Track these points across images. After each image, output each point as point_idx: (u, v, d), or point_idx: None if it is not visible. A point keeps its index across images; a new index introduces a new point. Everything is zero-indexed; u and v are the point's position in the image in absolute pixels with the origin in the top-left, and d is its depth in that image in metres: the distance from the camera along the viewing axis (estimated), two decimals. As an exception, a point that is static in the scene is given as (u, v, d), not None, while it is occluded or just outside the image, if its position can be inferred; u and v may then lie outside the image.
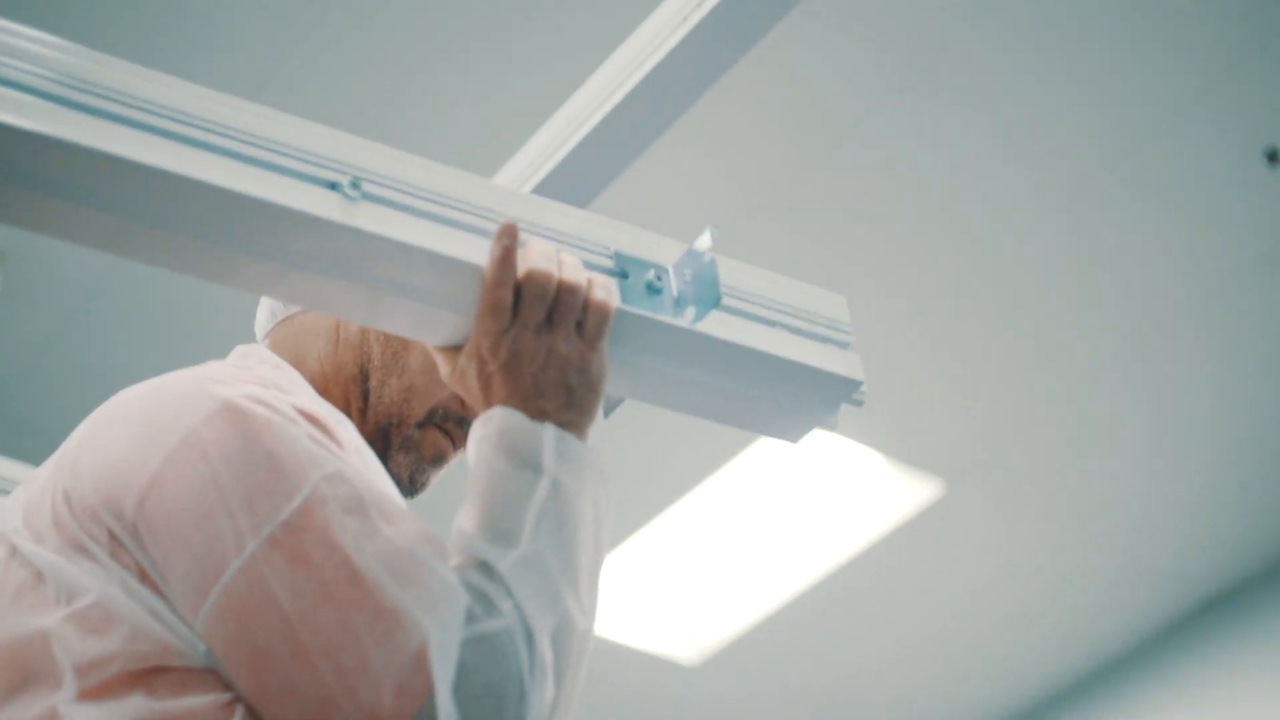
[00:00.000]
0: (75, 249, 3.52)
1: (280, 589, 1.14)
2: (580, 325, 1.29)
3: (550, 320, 1.28)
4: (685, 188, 3.68)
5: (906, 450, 4.49)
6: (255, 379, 1.30)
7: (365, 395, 1.49)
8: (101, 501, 1.21)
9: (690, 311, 1.35)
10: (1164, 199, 3.84)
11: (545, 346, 1.28)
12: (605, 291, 1.30)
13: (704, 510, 4.64)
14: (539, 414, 1.27)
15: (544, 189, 2.23)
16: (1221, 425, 4.48)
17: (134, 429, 1.24)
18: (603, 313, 1.29)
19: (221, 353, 1.48)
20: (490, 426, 1.27)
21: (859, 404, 1.44)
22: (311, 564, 1.15)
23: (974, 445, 4.49)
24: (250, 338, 1.56)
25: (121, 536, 1.19)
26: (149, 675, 1.16)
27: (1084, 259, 3.98)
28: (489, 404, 1.29)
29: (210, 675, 1.17)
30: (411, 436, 1.49)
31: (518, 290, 1.27)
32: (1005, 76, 3.53)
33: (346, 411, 1.48)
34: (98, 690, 1.16)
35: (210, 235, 1.20)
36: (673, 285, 1.36)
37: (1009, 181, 3.78)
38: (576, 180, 2.24)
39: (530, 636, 1.17)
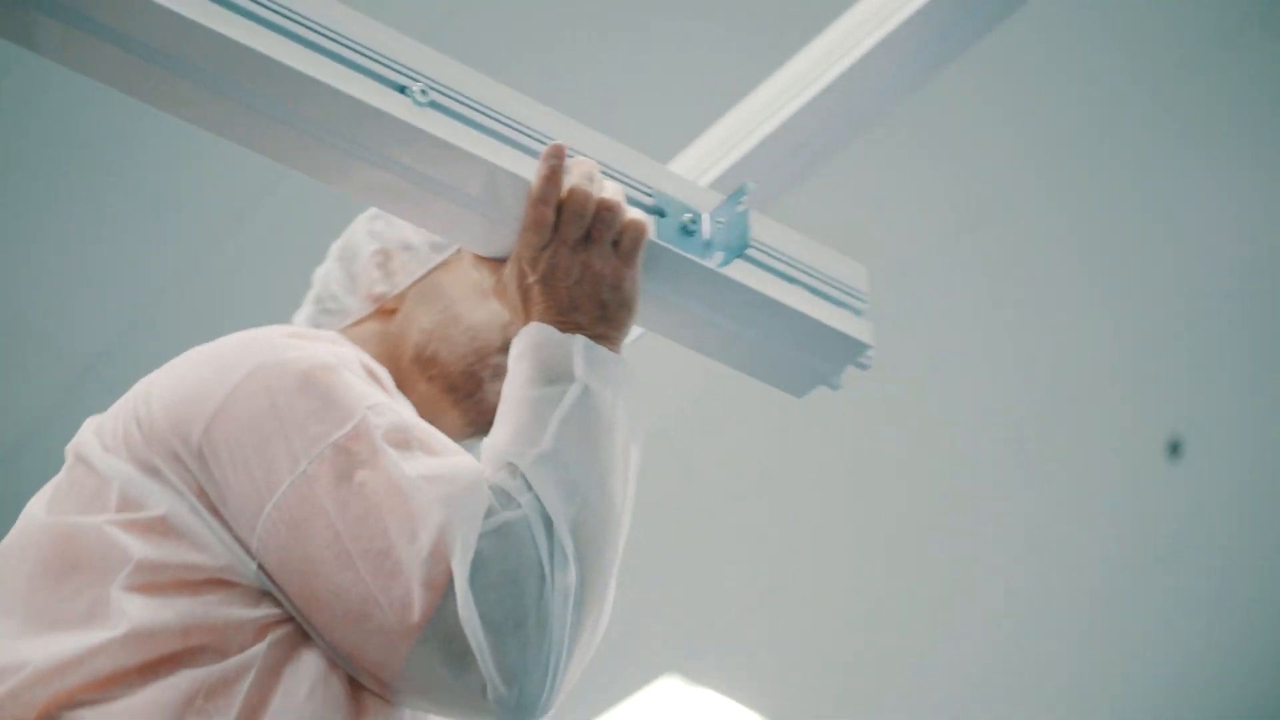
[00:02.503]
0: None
1: (328, 501, 1.24)
2: (616, 244, 1.37)
3: (588, 238, 1.36)
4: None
5: (787, 711, 4.44)
6: (327, 338, 1.40)
7: (431, 361, 1.58)
8: (170, 428, 1.30)
9: (718, 256, 1.43)
10: (1065, 484, 3.89)
11: (581, 262, 1.35)
12: (641, 216, 1.38)
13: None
14: (572, 327, 1.35)
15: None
16: None
17: (205, 365, 1.34)
18: (638, 231, 1.37)
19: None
20: (525, 342, 1.35)
21: (865, 367, 1.52)
22: (355, 479, 1.24)
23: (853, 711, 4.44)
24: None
25: (187, 461, 1.29)
26: (198, 585, 1.26)
27: (985, 535, 4.02)
28: (527, 318, 1.37)
29: (254, 594, 1.26)
30: (502, 362, 1.55)
31: (559, 208, 1.36)
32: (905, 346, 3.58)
33: (417, 383, 1.58)
34: (148, 587, 1.26)
35: (282, 115, 1.30)
36: (705, 229, 1.45)
37: (908, 458, 3.85)
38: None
39: (549, 525, 1.24)
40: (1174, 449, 3.78)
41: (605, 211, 1.36)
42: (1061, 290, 3.56)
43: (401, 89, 1.32)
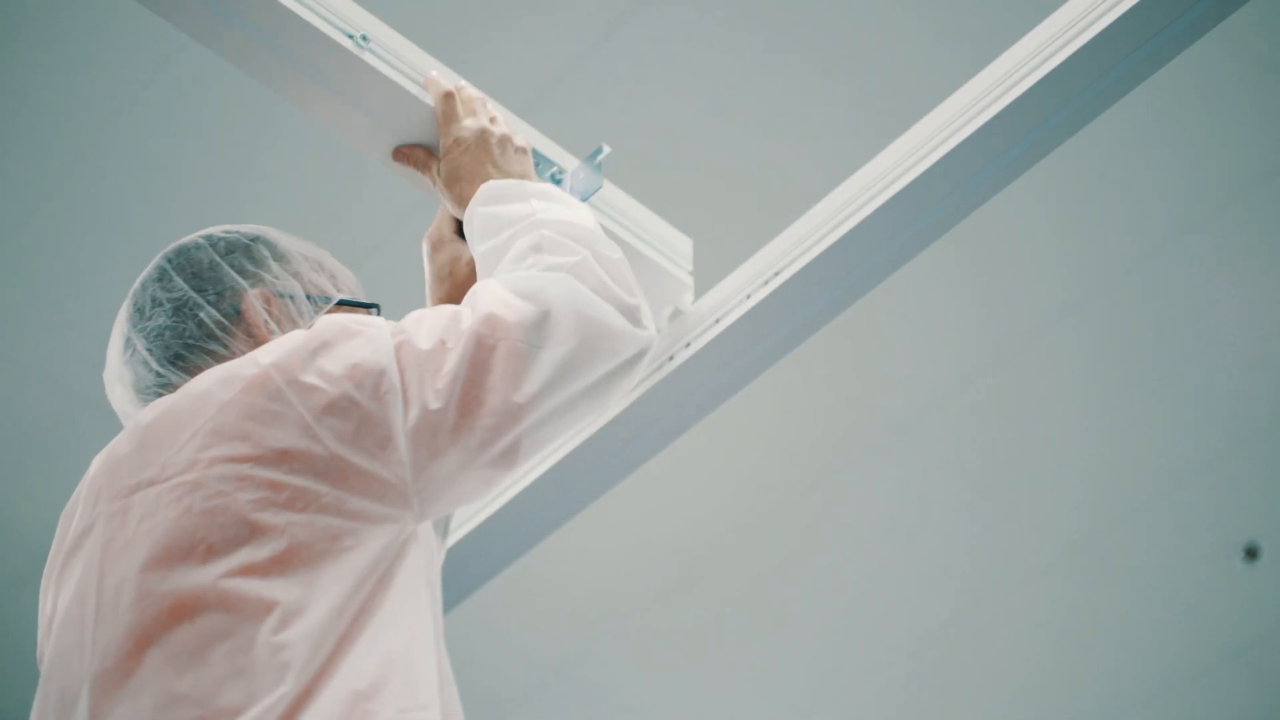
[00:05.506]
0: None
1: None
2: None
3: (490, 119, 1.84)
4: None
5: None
6: None
7: None
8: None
9: (579, 194, 1.92)
10: (1139, 585, 4.02)
11: (490, 118, 1.84)
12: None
13: None
14: (507, 177, 1.80)
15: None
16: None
17: None
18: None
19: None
20: (479, 200, 1.76)
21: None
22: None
23: None
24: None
25: None
26: None
27: (1057, 637, 4.18)
28: (472, 190, 1.79)
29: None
30: None
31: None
32: (983, 446, 3.82)
33: None
34: None
35: (273, 46, 1.80)
36: (567, 184, 1.94)
37: (982, 554, 4.00)
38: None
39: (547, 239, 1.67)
40: (1251, 553, 3.94)
41: (485, 100, 1.87)
42: (1137, 393, 3.70)
43: (349, 35, 1.84)
